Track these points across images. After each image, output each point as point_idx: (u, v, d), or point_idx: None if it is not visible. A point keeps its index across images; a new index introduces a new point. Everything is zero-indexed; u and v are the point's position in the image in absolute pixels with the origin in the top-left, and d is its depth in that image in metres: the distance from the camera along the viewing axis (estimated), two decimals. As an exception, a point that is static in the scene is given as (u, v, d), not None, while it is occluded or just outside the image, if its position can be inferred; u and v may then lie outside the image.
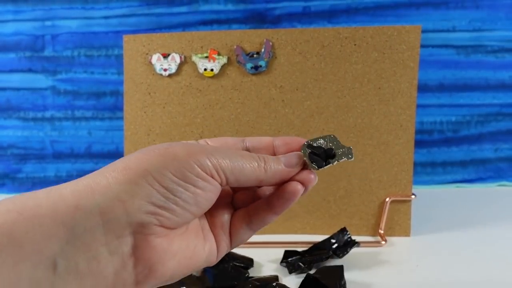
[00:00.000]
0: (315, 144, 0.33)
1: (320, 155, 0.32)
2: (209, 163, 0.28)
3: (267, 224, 0.33)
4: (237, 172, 0.29)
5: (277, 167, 0.31)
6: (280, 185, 0.32)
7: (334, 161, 0.32)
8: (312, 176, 0.32)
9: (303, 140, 0.33)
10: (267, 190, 0.34)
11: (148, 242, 0.27)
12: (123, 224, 0.26)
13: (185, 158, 0.28)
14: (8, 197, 0.26)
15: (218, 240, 0.32)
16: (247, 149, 0.34)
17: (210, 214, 0.32)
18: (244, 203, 0.34)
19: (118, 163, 0.28)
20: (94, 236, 0.26)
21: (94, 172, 0.28)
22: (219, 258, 0.33)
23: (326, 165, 0.32)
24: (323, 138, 0.33)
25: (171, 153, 0.28)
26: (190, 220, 0.29)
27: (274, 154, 0.33)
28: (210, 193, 0.29)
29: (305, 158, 0.32)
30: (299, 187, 0.31)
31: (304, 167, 0.32)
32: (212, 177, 0.28)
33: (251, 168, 0.30)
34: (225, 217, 0.33)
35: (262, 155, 0.31)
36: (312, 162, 0.32)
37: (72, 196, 0.26)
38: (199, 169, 0.28)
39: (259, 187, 0.34)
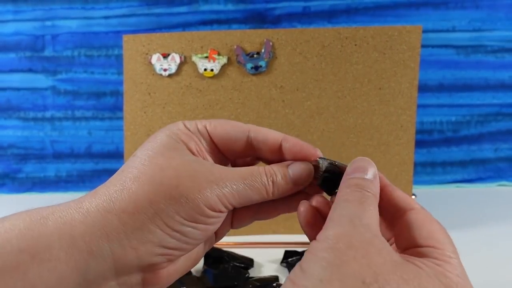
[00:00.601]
0: (330, 166, 0.29)
1: (333, 180, 0.29)
2: (218, 200, 0.27)
3: (273, 217, 0.32)
4: (245, 201, 0.29)
5: (285, 187, 0.29)
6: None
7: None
8: (321, 199, 0.29)
9: (315, 152, 0.30)
10: None
11: (156, 274, 0.28)
12: (134, 268, 0.27)
13: (195, 197, 0.26)
14: (13, 220, 0.25)
15: (218, 233, 0.32)
16: (251, 144, 0.31)
17: None
18: None
19: (125, 195, 0.26)
20: (105, 278, 0.26)
21: (100, 199, 0.26)
22: (218, 241, 0.33)
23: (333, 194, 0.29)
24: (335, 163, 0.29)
25: (180, 194, 0.26)
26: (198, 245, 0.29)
27: (281, 155, 0.31)
28: (217, 224, 0.29)
29: (315, 179, 0.29)
30: (307, 206, 0.29)
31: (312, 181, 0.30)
32: (220, 211, 0.28)
33: (259, 197, 0.29)
34: (227, 214, 0.31)
35: (270, 172, 0.29)
36: (323, 186, 0.29)
37: (84, 240, 0.25)
38: (209, 211, 0.27)
39: None
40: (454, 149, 0.86)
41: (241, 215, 0.32)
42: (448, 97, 0.85)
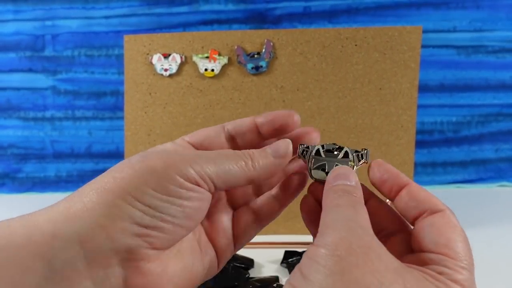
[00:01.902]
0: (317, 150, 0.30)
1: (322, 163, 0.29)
2: (192, 171, 0.25)
3: (276, 217, 0.31)
4: (224, 175, 0.26)
5: (266, 161, 0.28)
6: (282, 177, 0.30)
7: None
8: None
9: (290, 113, 0.30)
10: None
11: (139, 270, 0.24)
12: (107, 252, 0.23)
13: (165, 170, 0.25)
14: None
15: (219, 249, 0.30)
16: (230, 136, 0.31)
17: (208, 222, 0.30)
18: (244, 199, 0.32)
19: (92, 185, 0.25)
20: (75, 269, 0.23)
21: (69, 195, 0.25)
22: (221, 267, 0.31)
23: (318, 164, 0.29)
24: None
25: (148, 167, 0.25)
26: (183, 235, 0.27)
27: (259, 134, 0.31)
28: (199, 202, 0.26)
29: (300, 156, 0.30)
30: (310, 202, 0.29)
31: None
32: (198, 185, 0.26)
33: (239, 168, 0.27)
34: (225, 222, 0.30)
35: (247, 150, 0.28)
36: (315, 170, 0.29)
37: (48, 224, 0.23)
38: (182, 180, 0.25)
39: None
40: (454, 149, 0.86)
41: (241, 218, 0.31)
42: (448, 97, 0.85)
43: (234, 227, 0.31)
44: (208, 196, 0.27)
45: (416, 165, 0.68)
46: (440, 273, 0.22)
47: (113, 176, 0.25)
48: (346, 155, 0.30)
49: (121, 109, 0.84)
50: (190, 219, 0.26)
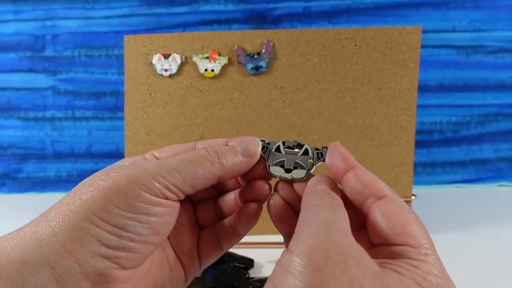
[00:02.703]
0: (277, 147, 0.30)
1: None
2: (158, 184, 0.25)
3: (236, 244, 0.31)
4: (190, 180, 0.26)
5: (234, 158, 0.28)
6: (241, 202, 0.30)
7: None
8: (267, 187, 0.29)
9: (257, 143, 0.30)
10: (228, 201, 0.31)
11: None
12: (77, 276, 0.23)
13: (129, 186, 0.24)
14: None
15: (186, 266, 0.30)
16: None
17: (176, 241, 0.30)
18: (208, 220, 0.31)
19: (58, 207, 0.24)
20: None
21: (36, 219, 0.25)
22: (188, 283, 0.30)
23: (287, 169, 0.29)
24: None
25: (112, 185, 0.24)
26: (152, 251, 0.26)
27: None
28: (167, 216, 0.26)
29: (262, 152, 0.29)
30: (257, 206, 0.29)
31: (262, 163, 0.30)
32: (166, 197, 0.25)
33: (204, 170, 0.26)
34: (192, 241, 0.30)
35: (214, 148, 0.28)
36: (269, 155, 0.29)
37: (16, 250, 0.23)
38: (147, 195, 0.24)
39: (220, 184, 0.31)
40: (454, 149, 0.86)
41: (205, 240, 0.30)
42: (448, 97, 0.85)
43: (199, 247, 0.31)
44: (176, 205, 0.26)
45: (415, 165, 0.68)
46: (414, 267, 0.22)
47: (79, 198, 0.24)
48: (306, 152, 0.30)
49: (121, 109, 0.85)
50: (158, 235, 0.26)
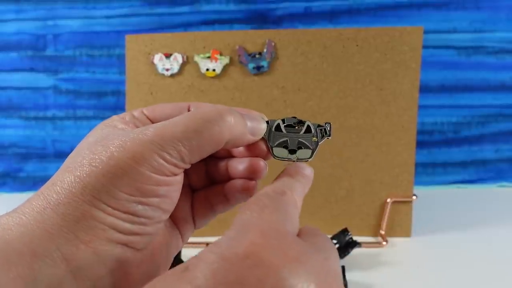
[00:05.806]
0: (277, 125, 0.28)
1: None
2: (165, 163, 0.23)
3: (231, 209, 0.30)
4: (198, 150, 0.24)
5: (243, 131, 0.27)
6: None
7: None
8: (262, 164, 0.28)
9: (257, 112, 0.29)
10: (220, 167, 0.30)
11: (128, 276, 0.23)
12: (96, 267, 0.22)
13: (134, 168, 0.22)
14: None
15: (182, 231, 0.29)
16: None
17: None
18: (200, 182, 0.30)
19: (60, 189, 0.23)
20: (62, 286, 0.21)
21: (33, 200, 0.23)
22: (184, 244, 0.30)
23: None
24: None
25: (114, 168, 0.22)
26: (161, 227, 0.26)
27: None
28: (174, 192, 0.25)
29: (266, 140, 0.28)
30: (252, 184, 0.28)
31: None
32: (174, 174, 0.24)
33: (212, 139, 0.25)
34: (186, 205, 0.29)
35: (223, 109, 0.26)
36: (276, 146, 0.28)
37: (23, 242, 0.21)
38: (156, 176, 0.23)
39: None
40: (454, 149, 0.86)
41: (198, 202, 0.30)
42: (449, 98, 0.85)
43: (194, 210, 0.30)
44: (181, 177, 0.25)
45: (416, 165, 0.68)
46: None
47: (80, 178, 0.23)
48: (308, 129, 0.28)
49: (122, 109, 0.85)
50: (167, 212, 0.25)
